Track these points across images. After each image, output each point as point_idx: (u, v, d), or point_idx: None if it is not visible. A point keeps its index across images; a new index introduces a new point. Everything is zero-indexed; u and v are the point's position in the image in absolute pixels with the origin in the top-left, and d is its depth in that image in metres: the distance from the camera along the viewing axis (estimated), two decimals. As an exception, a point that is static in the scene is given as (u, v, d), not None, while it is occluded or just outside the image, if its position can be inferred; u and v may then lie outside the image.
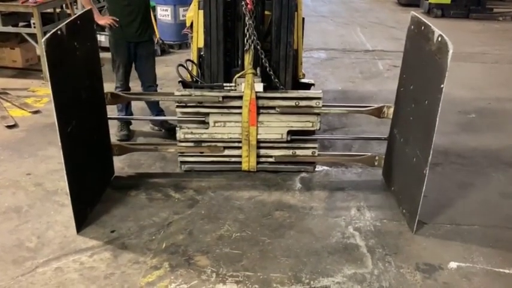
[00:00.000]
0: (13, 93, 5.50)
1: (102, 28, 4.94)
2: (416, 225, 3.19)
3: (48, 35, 2.72)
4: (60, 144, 2.84)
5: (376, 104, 3.80)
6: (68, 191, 3.01)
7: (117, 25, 4.21)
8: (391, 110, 3.70)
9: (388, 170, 3.76)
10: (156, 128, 4.66)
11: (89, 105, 3.35)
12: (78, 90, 3.16)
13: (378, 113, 3.77)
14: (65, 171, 2.92)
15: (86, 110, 3.28)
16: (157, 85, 4.62)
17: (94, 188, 3.47)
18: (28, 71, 6.33)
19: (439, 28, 2.99)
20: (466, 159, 4.27)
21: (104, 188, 3.62)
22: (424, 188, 3.04)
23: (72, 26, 2.99)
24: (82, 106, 3.20)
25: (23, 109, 5.07)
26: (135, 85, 4.67)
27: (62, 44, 2.88)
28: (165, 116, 4.60)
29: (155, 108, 4.58)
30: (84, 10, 3.34)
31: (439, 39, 2.87)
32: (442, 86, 2.81)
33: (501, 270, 2.92)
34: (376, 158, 3.85)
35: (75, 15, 3.21)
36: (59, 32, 2.81)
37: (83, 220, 3.20)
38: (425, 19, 3.19)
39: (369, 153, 3.92)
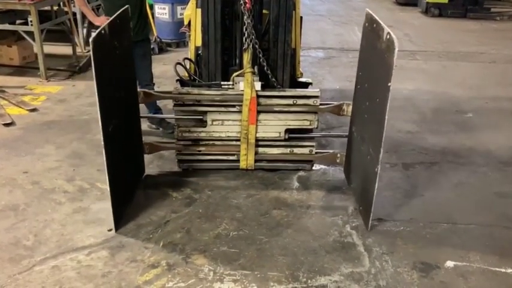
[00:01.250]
0: (10, 91, 5.48)
1: (98, 27, 4.91)
2: (370, 223, 3.20)
3: (94, 34, 2.74)
4: (102, 143, 2.86)
5: (336, 102, 3.79)
6: (108, 189, 3.01)
7: None
8: (350, 107, 3.69)
9: (347, 167, 3.77)
10: (154, 126, 4.65)
11: (126, 104, 3.37)
12: (118, 89, 3.19)
13: (338, 110, 3.76)
14: (106, 172, 2.93)
15: (123, 109, 3.31)
16: (154, 84, 4.61)
17: (129, 187, 3.49)
18: (25, 68, 6.32)
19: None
20: (462, 158, 4.29)
21: (136, 186, 3.63)
22: (376, 185, 3.03)
23: (113, 25, 3.01)
24: (120, 105, 3.22)
25: (20, 107, 5.06)
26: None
27: (105, 43, 2.91)
28: (162, 114, 4.59)
29: (153, 106, 4.57)
30: (122, 9, 3.35)
31: (388, 37, 2.84)
32: (389, 84, 2.80)
33: (497, 269, 2.93)
34: (338, 155, 3.86)
35: (117, 14, 3.21)
36: (102, 31, 2.83)
37: (119, 218, 3.19)
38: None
39: (331, 151, 3.92)
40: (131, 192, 3.53)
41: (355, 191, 3.57)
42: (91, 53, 2.72)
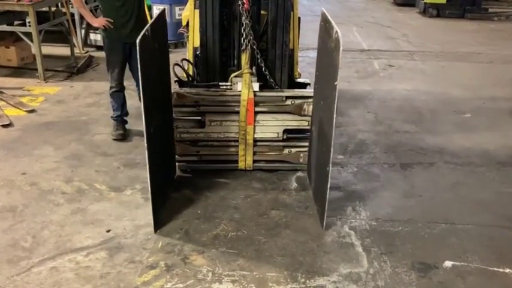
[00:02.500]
0: (8, 92, 5.48)
1: (96, 28, 4.93)
2: (325, 223, 3.20)
3: (140, 36, 2.75)
4: (146, 144, 2.88)
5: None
6: (149, 190, 3.03)
7: (111, 26, 4.20)
8: (311, 107, 3.66)
9: (309, 166, 3.77)
10: None
11: (162, 105, 3.38)
12: (157, 91, 3.21)
13: (299, 110, 3.72)
14: (148, 173, 2.95)
15: (160, 110, 3.32)
16: None
17: (164, 187, 3.51)
18: (23, 69, 6.31)
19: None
20: (460, 158, 4.29)
21: (170, 187, 3.63)
22: (329, 185, 3.03)
23: (154, 27, 3.03)
24: (159, 106, 3.24)
25: (18, 108, 5.05)
26: (130, 83, 4.66)
27: (149, 45, 2.92)
28: None
29: None
30: (160, 11, 3.37)
31: (336, 35, 2.83)
32: (335, 83, 2.80)
33: (495, 269, 2.93)
34: (301, 154, 3.84)
35: (155, 17, 3.22)
36: (146, 33, 2.84)
37: (158, 219, 3.19)
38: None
39: (296, 150, 3.87)
40: (166, 193, 3.53)
41: (314, 190, 3.56)
42: (138, 53, 2.73)
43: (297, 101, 3.67)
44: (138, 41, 2.73)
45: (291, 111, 3.70)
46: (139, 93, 4.50)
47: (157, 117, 3.16)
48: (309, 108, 3.68)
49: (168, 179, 3.66)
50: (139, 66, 2.75)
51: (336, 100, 2.81)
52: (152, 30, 2.96)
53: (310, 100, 3.65)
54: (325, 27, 3.17)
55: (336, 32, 2.81)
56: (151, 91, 3.00)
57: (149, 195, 3.07)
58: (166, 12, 7.29)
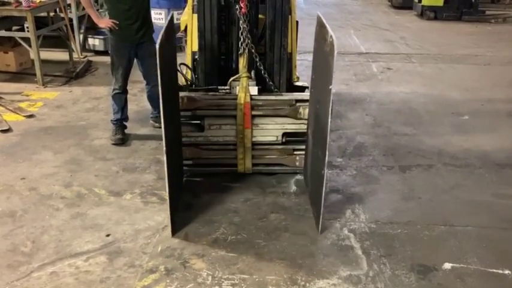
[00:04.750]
0: (7, 97, 5.48)
1: (100, 31, 4.95)
2: (321, 226, 3.20)
3: (158, 40, 2.79)
4: (164, 148, 2.90)
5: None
6: (167, 194, 3.07)
7: (117, 28, 4.22)
8: (307, 110, 3.66)
9: (305, 170, 3.78)
10: (157, 124, 4.69)
11: (173, 108, 3.40)
12: (170, 94, 3.22)
13: (295, 113, 3.72)
14: (166, 176, 2.98)
15: (173, 113, 3.33)
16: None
17: (178, 191, 3.52)
18: (22, 75, 6.31)
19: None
20: (459, 160, 4.30)
21: (181, 190, 3.64)
22: (324, 189, 3.04)
23: (167, 32, 3.05)
24: (172, 109, 3.26)
25: (17, 113, 5.05)
26: (130, 88, 4.66)
27: (164, 48, 2.94)
28: None
29: (158, 105, 4.60)
30: (169, 16, 3.39)
31: (331, 40, 2.83)
32: (330, 87, 2.80)
33: (495, 270, 2.94)
34: (297, 158, 3.84)
35: (168, 21, 3.25)
36: (162, 38, 2.87)
37: (175, 223, 3.21)
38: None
39: (292, 154, 3.88)
40: (179, 197, 3.54)
41: (310, 194, 3.56)
42: (157, 58, 2.76)
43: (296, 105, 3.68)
44: (158, 45, 2.75)
45: (287, 115, 3.70)
46: (148, 94, 4.55)
47: (172, 121, 3.18)
48: (304, 111, 3.68)
49: (180, 183, 3.68)
50: (158, 72, 2.76)
51: (330, 104, 2.82)
52: (166, 35, 2.98)
53: (306, 104, 3.66)
54: (321, 31, 3.18)
55: (331, 36, 2.81)
56: (168, 95, 3.01)
57: (167, 199, 3.09)
58: (164, 16, 7.36)
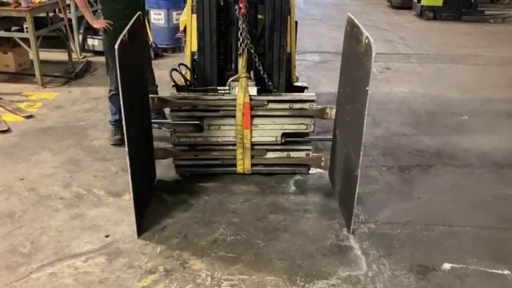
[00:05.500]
0: (6, 97, 5.48)
1: (96, 32, 4.94)
2: (352, 226, 3.21)
3: (118, 41, 2.76)
4: (127, 149, 2.87)
5: (320, 105, 3.78)
6: (132, 196, 3.03)
7: (111, 28, 4.21)
8: (334, 111, 3.69)
9: (331, 170, 3.78)
10: (156, 125, 4.68)
11: (140, 109, 3.39)
12: (135, 95, 3.21)
13: (322, 114, 3.75)
14: (130, 177, 2.94)
15: (139, 114, 3.32)
16: (157, 86, 4.64)
17: (146, 192, 3.50)
18: (21, 75, 6.31)
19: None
20: (458, 160, 4.31)
21: (151, 191, 3.63)
22: (357, 189, 3.04)
23: (132, 31, 3.03)
24: (136, 110, 3.24)
25: (16, 114, 5.05)
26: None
27: (127, 49, 2.93)
28: (164, 112, 4.65)
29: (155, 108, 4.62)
30: (137, 15, 3.36)
31: (366, 41, 2.84)
32: (367, 88, 2.81)
33: (494, 270, 2.94)
34: (323, 158, 3.85)
35: (133, 21, 3.22)
36: (123, 38, 2.85)
37: (141, 224, 3.20)
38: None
39: (316, 154, 3.89)
40: (148, 197, 3.53)
41: (338, 195, 3.57)
42: (116, 58, 2.74)
43: (295, 105, 3.67)
44: (116, 46, 2.72)
45: (313, 115, 3.74)
46: None
47: (137, 122, 3.15)
48: (331, 112, 3.71)
49: (150, 184, 3.66)
50: (118, 72, 2.73)
51: (366, 105, 2.82)
52: (130, 34, 2.96)
53: (314, 103, 3.65)
54: (352, 31, 3.18)
55: (366, 37, 2.82)
56: (131, 96, 2.99)
57: (132, 201, 3.05)
58: (164, 16, 7.37)
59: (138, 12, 3.43)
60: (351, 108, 3.22)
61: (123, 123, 2.84)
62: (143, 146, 3.41)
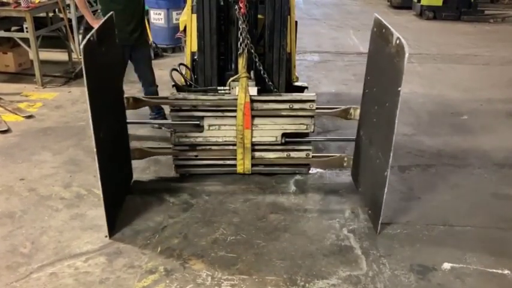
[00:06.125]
0: (6, 98, 5.47)
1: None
2: (380, 227, 3.21)
3: (84, 41, 2.75)
4: (95, 149, 2.86)
5: (343, 106, 3.81)
6: (101, 195, 3.01)
7: None
8: (358, 111, 3.71)
9: (355, 171, 3.78)
10: (156, 126, 4.70)
11: (113, 110, 3.38)
12: (106, 95, 3.20)
13: (345, 114, 3.78)
14: (99, 177, 2.93)
15: (111, 115, 3.31)
16: (157, 86, 4.65)
17: (119, 192, 3.49)
18: (21, 75, 6.31)
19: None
20: (458, 160, 4.31)
21: (126, 191, 3.63)
22: (386, 189, 3.05)
23: (100, 31, 3.02)
24: (109, 111, 3.23)
25: (16, 114, 5.05)
26: (128, 88, 4.66)
27: (94, 50, 2.92)
28: (164, 113, 4.66)
29: (155, 106, 4.63)
30: (108, 15, 3.36)
31: (397, 41, 2.87)
32: (399, 89, 2.83)
33: (494, 270, 2.94)
34: (345, 159, 3.86)
35: (102, 21, 3.23)
36: (91, 38, 2.84)
37: (113, 225, 3.19)
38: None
39: (338, 154, 3.92)
40: (122, 198, 3.52)
41: (364, 195, 3.57)
42: (82, 59, 2.73)
43: (296, 105, 3.68)
44: (82, 46, 2.72)
45: (337, 116, 3.79)
46: (145, 93, 4.56)
47: (107, 122, 3.13)
48: (355, 112, 3.73)
49: (124, 184, 3.65)
50: (84, 72, 2.72)
51: (398, 105, 2.84)
52: (98, 35, 2.95)
53: (314, 103, 3.66)
54: (381, 32, 3.19)
55: (398, 38, 2.85)
56: (99, 95, 2.97)
57: (101, 201, 3.03)
58: (164, 16, 7.37)
59: (111, 12, 3.40)
60: (379, 109, 3.22)
61: (90, 124, 2.81)
62: (116, 146, 3.38)
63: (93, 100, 2.81)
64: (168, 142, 3.89)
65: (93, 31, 2.92)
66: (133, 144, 4.44)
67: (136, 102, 3.75)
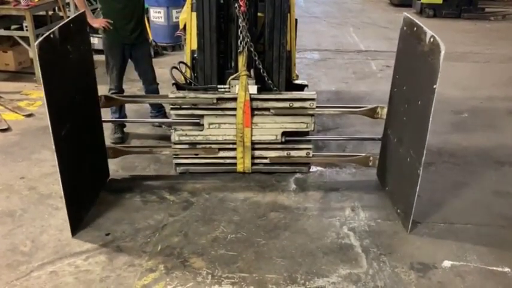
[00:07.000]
0: (6, 96, 5.48)
1: (95, 30, 4.94)
2: (410, 225, 3.21)
3: (40, 38, 2.72)
4: (54, 147, 2.84)
5: (370, 105, 3.82)
6: (62, 194, 3.00)
7: (111, 27, 4.21)
8: (385, 110, 3.73)
9: (382, 170, 3.78)
10: (156, 124, 4.70)
11: (83, 108, 3.34)
12: (72, 93, 3.16)
13: (372, 113, 3.80)
14: (59, 174, 2.91)
15: (80, 113, 3.28)
16: (158, 84, 4.65)
17: (89, 191, 3.47)
18: (21, 74, 6.31)
19: (431, 28, 3.02)
20: (458, 158, 4.30)
21: (99, 190, 3.62)
22: (418, 188, 3.06)
23: (65, 29, 2.99)
24: (76, 109, 3.19)
25: (16, 112, 5.05)
26: (129, 87, 4.66)
27: (55, 47, 2.88)
28: (165, 111, 4.65)
29: (156, 104, 4.63)
30: (77, 13, 3.34)
31: (431, 40, 2.89)
32: (434, 86, 2.84)
33: (494, 268, 2.94)
34: (371, 158, 3.87)
35: (68, 19, 3.21)
36: (51, 36, 2.82)
37: (78, 223, 3.19)
38: (417, 19, 3.22)
39: (363, 154, 3.93)
40: (92, 196, 3.51)
41: (392, 194, 3.56)
42: (37, 57, 2.70)
43: (296, 103, 3.67)
44: (36, 44, 2.68)
45: (364, 114, 3.81)
46: (146, 92, 4.56)
47: (74, 121, 3.10)
48: (382, 111, 3.74)
49: (97, 183, 3.63)
50: (39, 70, 2.70)
51: (433, 103, 2.84)
52: (61, 32, 2.91)
53: (314, 102, 3.66)
54: (412, 31, 3.19)
55: (432, 36, 2.87)
56: (60, 94, 2.94)
57: (63, 200, 3.02)
58: (163, 14, 7.36)
59: (82, 10, 3.37)
60: (410, 107, 3.22)
61: (48, 122, 2.78)
62: (84, 145, 3.35)
63: (51, 99, 2.77)
64: (168, 141, 3.89)
65: (55, 28, 2.88)
66: (133, 142, 4.46)
67: (109, 101, 3.77)
